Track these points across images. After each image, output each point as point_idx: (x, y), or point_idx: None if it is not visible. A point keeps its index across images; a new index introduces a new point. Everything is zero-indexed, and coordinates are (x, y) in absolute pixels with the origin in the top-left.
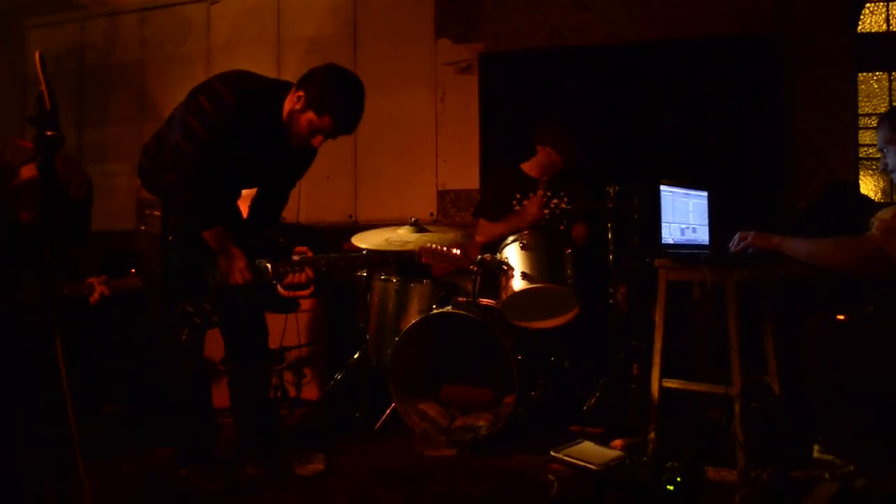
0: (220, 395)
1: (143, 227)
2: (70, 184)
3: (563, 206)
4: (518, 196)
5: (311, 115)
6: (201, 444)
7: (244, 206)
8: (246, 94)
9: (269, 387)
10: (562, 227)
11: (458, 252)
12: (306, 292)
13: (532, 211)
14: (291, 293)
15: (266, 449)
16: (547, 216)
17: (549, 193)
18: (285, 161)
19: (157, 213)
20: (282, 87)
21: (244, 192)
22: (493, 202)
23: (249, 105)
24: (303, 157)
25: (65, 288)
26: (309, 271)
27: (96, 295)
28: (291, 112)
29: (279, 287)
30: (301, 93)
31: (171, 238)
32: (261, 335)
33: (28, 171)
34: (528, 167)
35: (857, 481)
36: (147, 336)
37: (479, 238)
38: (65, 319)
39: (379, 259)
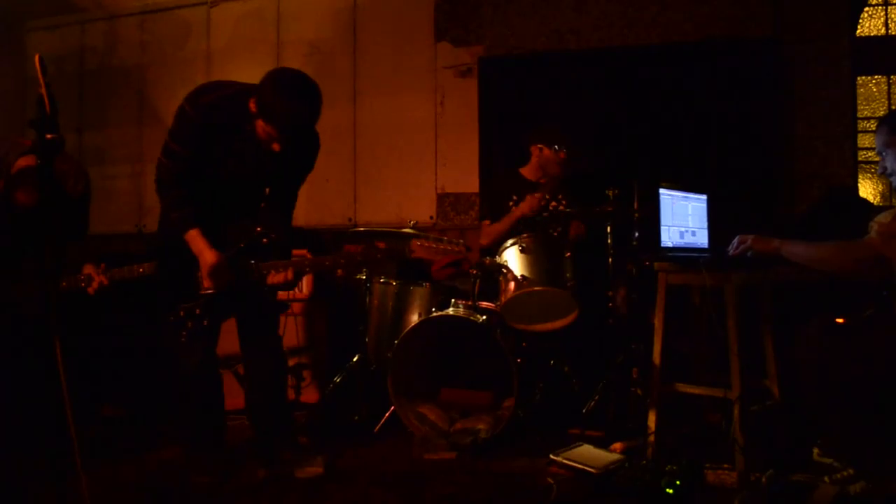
0: (232, 398)
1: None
2: (67, 179)
3: (562, 208)
4: (515, 198)
5: (261, 121)
6: (207, 440)
7: None
8: (206, 104)
9: (286, 386)
10: (555, 234)
11: (452, 244)
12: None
13: (530, 203)
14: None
15: (274, 449)
16: (546, 216)
17: (547, 196)
18: (276, 163)
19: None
20: (248, 92)
21: None
22: (492, 204)
23: (211, 114)
24: (299, 158)
25: (63, 282)
26: (289, 272)
27: (95, 284)
28: (252, 117)
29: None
30: (254, 99)
31: (163, 242)
32: (271, 333)
33: (24, 161)
34: (526, 171)
35: (857, 484)
36: (154, 334)
37: (483, 241)
38: (64, 319)
39: (373, 257)
